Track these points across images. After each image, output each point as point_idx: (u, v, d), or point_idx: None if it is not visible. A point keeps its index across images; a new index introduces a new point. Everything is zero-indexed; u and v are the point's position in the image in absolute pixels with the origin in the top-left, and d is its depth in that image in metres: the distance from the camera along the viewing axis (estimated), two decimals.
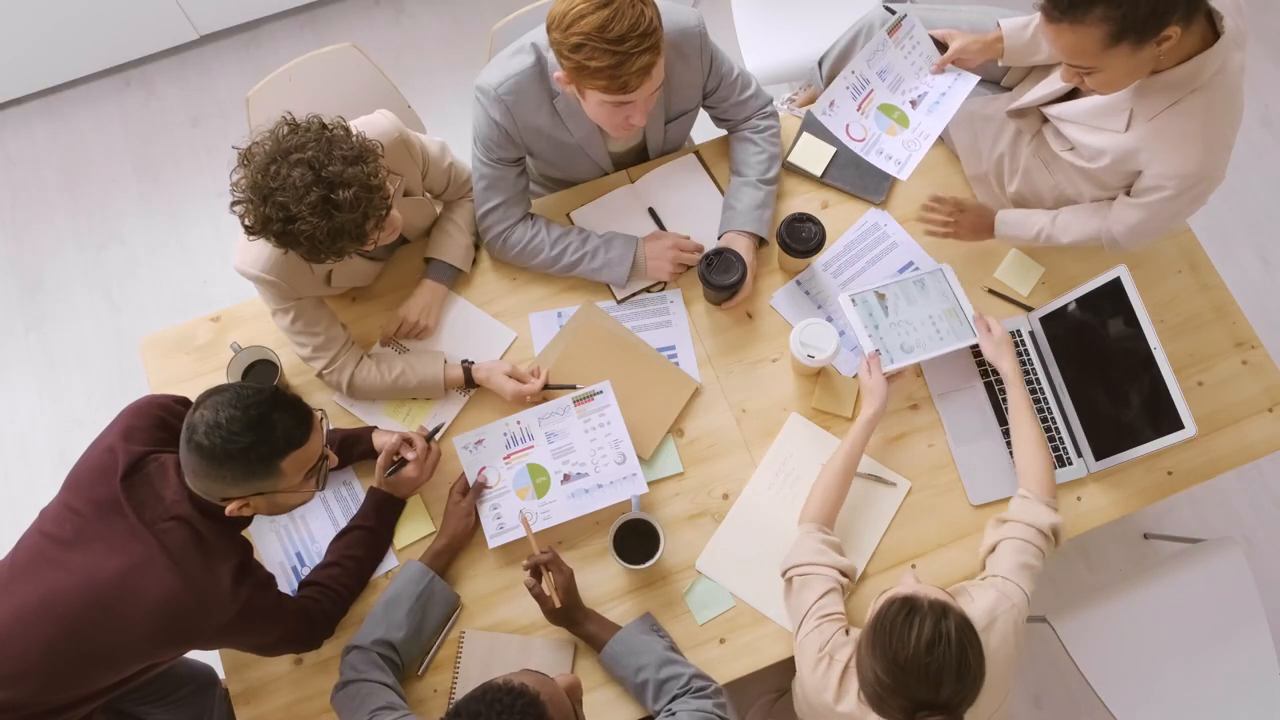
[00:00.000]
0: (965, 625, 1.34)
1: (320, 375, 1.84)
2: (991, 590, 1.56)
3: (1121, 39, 1.45)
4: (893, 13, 1.99)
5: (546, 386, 1.86)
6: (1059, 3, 1.46)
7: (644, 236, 1.96)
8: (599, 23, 1.51)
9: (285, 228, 1.48)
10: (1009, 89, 2.02)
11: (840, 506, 1.74)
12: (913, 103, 1.97)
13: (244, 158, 1.52)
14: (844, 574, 1.63)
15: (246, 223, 1.52)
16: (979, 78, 1.96)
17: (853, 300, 1.86)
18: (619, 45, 1.52)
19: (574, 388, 1.86)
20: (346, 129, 1.55)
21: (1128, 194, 1.76)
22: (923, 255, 2.02)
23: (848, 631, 1.55)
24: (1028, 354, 1.93)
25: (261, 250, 1.66)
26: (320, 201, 1.46)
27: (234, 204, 1.53)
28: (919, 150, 1.90)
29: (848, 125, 1.93)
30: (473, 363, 1.88)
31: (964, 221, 1.96)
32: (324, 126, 1.52)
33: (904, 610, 1.35)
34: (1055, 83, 1.81)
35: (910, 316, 1.87)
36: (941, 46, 2.00)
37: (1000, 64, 1.96)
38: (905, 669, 1.30)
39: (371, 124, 1.70)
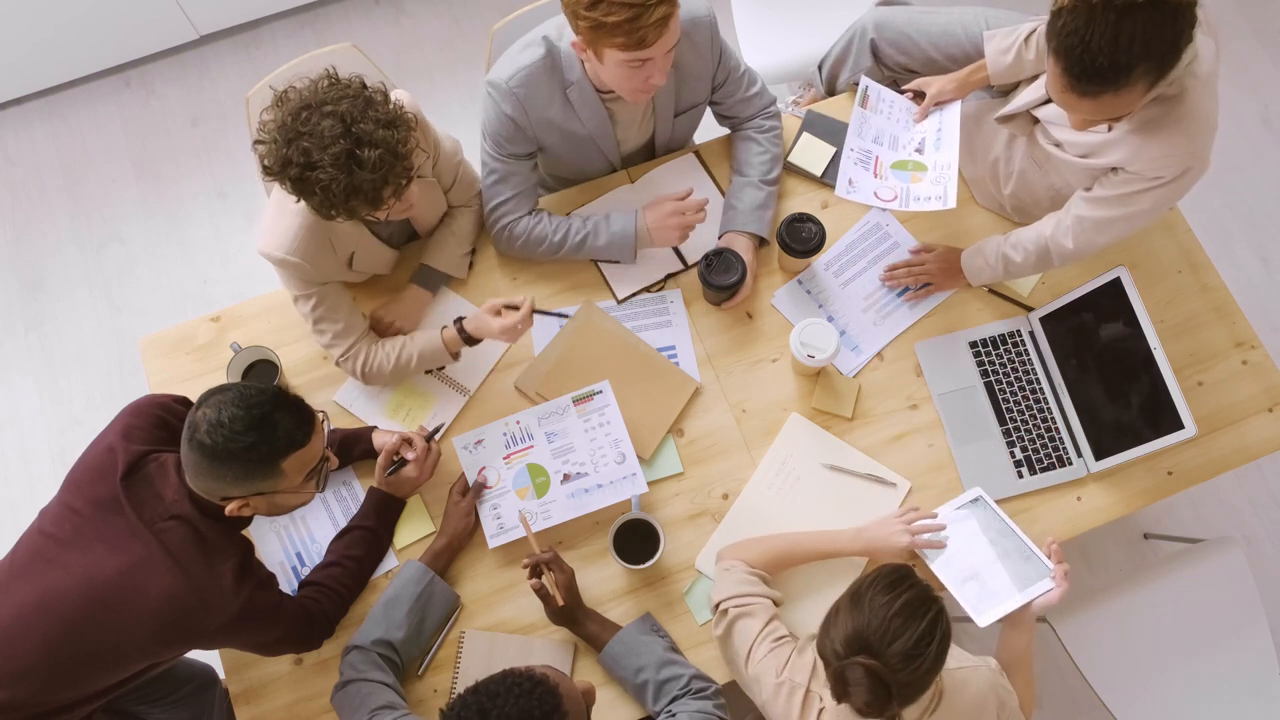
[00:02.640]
0: (944, 622, 1.33)
1: (338, 363, 1.84)
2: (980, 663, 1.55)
3: (1157, 81, 1.44)
4: (856, 84, 2.06)
5: (535, 311, 1.80)
6: (1097, 79, 1.40)
7: (642, 207, 1.93)
8: None
9: (303, 173, 1.48)
10: (1003, 94, 2.02)
11: (775, 574, 1.70)
12: (918, 150, 1.99)
13: (279, 99, 1.52)
14: (775, 603, 1.62)
15: (265, 163, 1.52)
16: (960, 101, 1.98)
17: (975, 499, 1.78)
18: None
19: (564, 315, 1.82)
20: (385, 95, 1.55)
21: (1088, 190, 1.75)
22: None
23: (802, 652, 1.53)
24: (1028, 354, 1.94)
25: (286, 232, 1.66)
26: (344, 155, 1.46)
27: (257, 142, 1.53)
28: (950, 180, 1.91)
29: (875, 191, 1.95)
30: (464, 318, 1.83)
31: (933, 266, 1.96)
32: (364, 86, 1.53)
33: (897, 574, 1.35)
34: (1041, 87, 1.81)
35: (979, 542, 1.75)
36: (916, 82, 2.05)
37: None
38: (873, 615, 1.30)
39: None
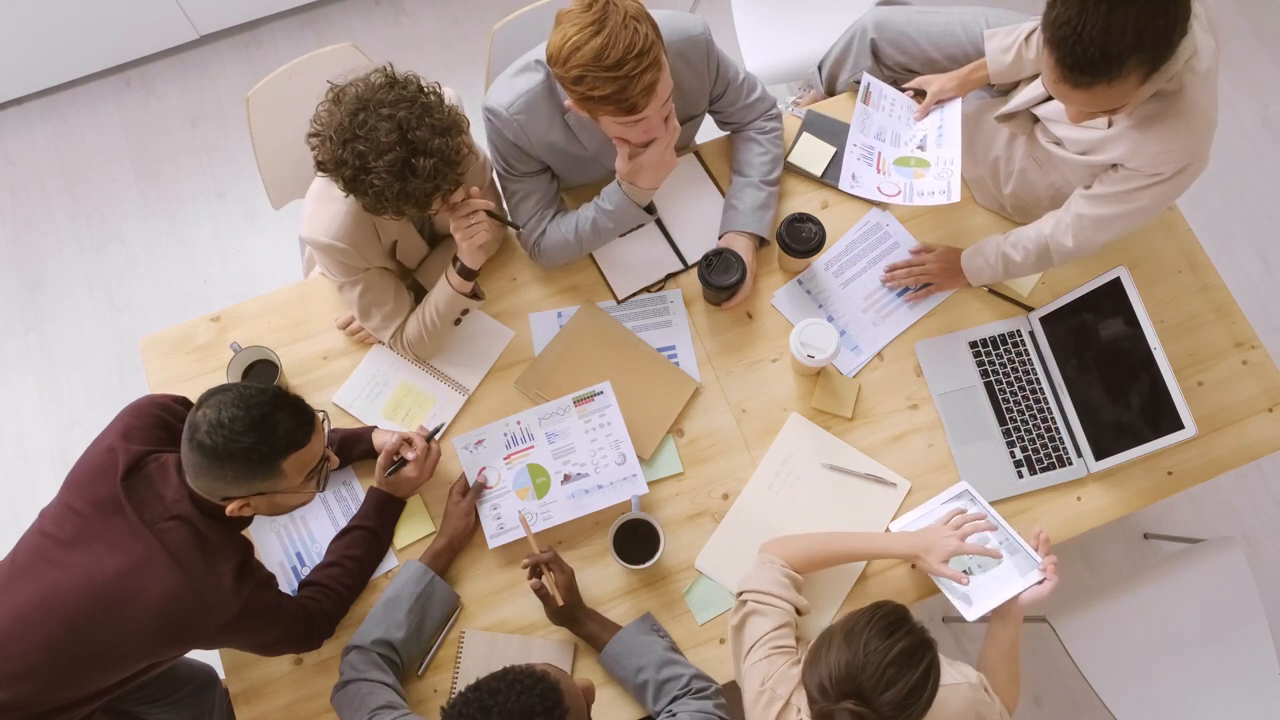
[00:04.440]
0: (936, 668, 1.33)
1: (390, 345, 1.86)
2: (959, 674, 1.54)
3: (1152, 73, 1.44)
4: (857, 83, 2.06)
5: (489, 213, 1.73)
6: (1089, 69, 1.41)
7: (617, 172, 1.82)
8: (595, 52, 1.51)
9: (357, 176, 1.50)
10: (1003, 94, 2.02)
11: (813, 572, 1.69)
12: (920, 146, 1.99)
13: (335, 95, 1.53)
14: (799, 611, 1.61)
15: (319, 158, 1.53)
16: (961, 98, 1.98)
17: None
18: (618, 70, 1.51)
19: (516, 227, 1.84)
20: (440, 96, 1.56)
21: (1089, 188, 1.75)
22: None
23: (797, 664, 1.52)
24: (1028, 354, 1.94)
25: (334, 218, 1.67)
26: (399, 163, 1.48)
27: (311, 135, 1.54)
28: (954, 175, 1.91)
29: (878, 186, 1.95)
30: (455, 259, 1.80)
31: (933, 266, 1.96)
32: (421, 89, 1.54)
33: (895, 617, 1.34)
34: (1041, 85, 1.81)
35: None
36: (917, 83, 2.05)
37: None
38: (868, 660, 1.29)
39: None
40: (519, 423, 1.85)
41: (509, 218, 1.92)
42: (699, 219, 2.04)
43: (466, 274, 1.78)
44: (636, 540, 1.74)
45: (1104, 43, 1.38)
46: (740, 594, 1.62)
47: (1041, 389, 1.91)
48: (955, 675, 1.52)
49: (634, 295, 1.98)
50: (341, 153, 1.49)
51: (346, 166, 1.50)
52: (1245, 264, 2.95)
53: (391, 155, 1.47)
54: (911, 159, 1.99)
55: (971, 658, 2.47)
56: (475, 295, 1.84)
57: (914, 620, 1.35)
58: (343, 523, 1.81)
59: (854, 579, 1.78)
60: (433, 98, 1.54)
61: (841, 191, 2.06)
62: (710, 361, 1.95)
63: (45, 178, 3.03)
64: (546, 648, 1.74)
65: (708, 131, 2.22)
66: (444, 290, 1.80)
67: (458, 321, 1.85)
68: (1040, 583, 1.64)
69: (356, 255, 1.71)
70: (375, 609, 1.68)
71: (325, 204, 1.68)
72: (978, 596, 1.66)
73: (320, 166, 1.54)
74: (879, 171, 1.97)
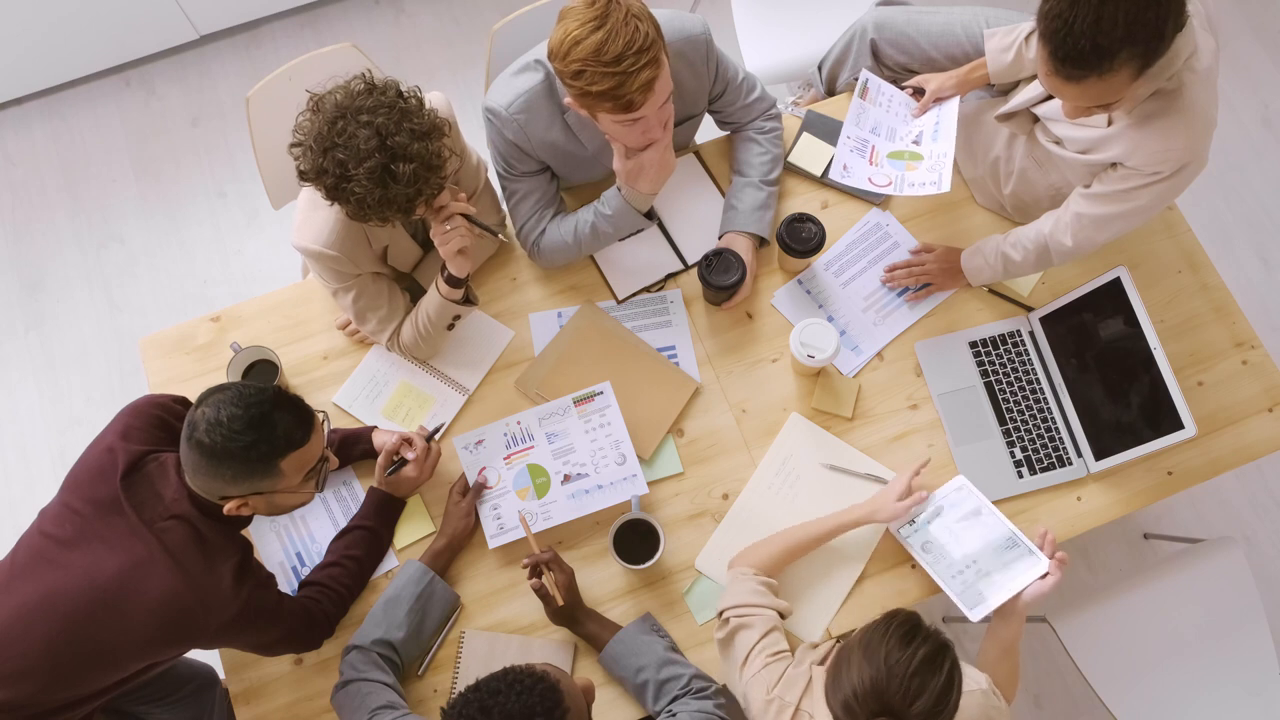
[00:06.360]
0: (958, 669, 1.33)
1: (387, 347, 1.86)
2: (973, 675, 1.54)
3: (1145, 68, 1.44)
4: (857, 79, 2.05)
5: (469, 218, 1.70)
6: (1080, 62, 1.42)
7: (616, 173, 1.82)
8: (594, 46, 1.51)
9: (338, 184, 1.50)
10: (1003, 93, 2.02)
11: (783, 570, 1.70)
12: (915, 142, 1.99)
13: (314, 104, 1.53)
14: (781, 615, 1.61)
15: (301, 168, 1.54)
16: (959, 97, 1.98)
17: (959, 489, 1.77)
18: (616, 66, 1.52)
19: (494, 233, 1.75)
20: (420, 101, 1.56)
21: (1088, 187, 1.75)
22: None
23: (796, 667, 1.52)
24: (1028, 354, 1.93)
25: (323, 226, 1.67)
26: (379, 169, 1.47)
27: (293, 145, 1.54)
28: (945, 167, 1.91)
29: (870, 178, 1.95)
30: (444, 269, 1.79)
31: (933, 266, 1.96)
32: (400, 94, 1.53)
33: (910, 625, 1.33)
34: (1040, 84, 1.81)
35: (967, 534, 1.73)
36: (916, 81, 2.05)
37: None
38: (891, 674, 1.28)
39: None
40: (519, 423, 1.85)
41: (505, 220, 1.90)
42: (699, 219, 2.04)
43: (454, 281, 1.77)
44: (636, 540, 1.74)
45: (1094, 35, 1.39)
46: (721, 612, 1.62)
47: (1041, 389, 1.91)
48: (968, 682, 1.52)
49: (634, 295, 1.98)
50: (322, 161, 1.49)
51: (327, 175, 1.50)
52: (1245, 264, 2.95)
53: (371, 162, 1.47)
54: (905, 153, 1.98)
55: (973, 657, 2.47)
56: (468, 301, 1.83)
57: (928, 625, 1.35)
58: (343, 523, 1.81)
59: (853, 580, 1.78)
60: (412, 102, 1.54)
61: (841, 191, 2.06)
62: (710, 361, 1.95)
63: (45, 178, 3.03)
64: (546, 648, 1.74)
65: (708, 131, 2.22)
66: (433, 297, 1.80)
67: (451, 326, 1.85)
68: (1044, 577, 1.64)
69: (348, 262, 1.71)
70: (375, 609, 1.68)
71: (314, 211, 1.68)
72: (979, 596, 1.66)
73: (302, 176, 1.54)
74: (872, 164, 1.97)
